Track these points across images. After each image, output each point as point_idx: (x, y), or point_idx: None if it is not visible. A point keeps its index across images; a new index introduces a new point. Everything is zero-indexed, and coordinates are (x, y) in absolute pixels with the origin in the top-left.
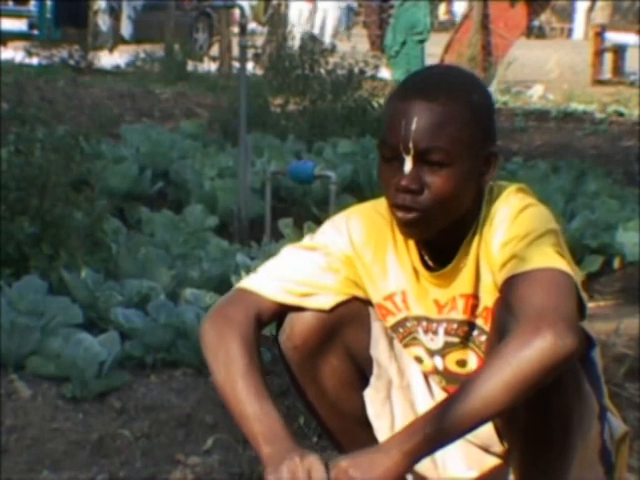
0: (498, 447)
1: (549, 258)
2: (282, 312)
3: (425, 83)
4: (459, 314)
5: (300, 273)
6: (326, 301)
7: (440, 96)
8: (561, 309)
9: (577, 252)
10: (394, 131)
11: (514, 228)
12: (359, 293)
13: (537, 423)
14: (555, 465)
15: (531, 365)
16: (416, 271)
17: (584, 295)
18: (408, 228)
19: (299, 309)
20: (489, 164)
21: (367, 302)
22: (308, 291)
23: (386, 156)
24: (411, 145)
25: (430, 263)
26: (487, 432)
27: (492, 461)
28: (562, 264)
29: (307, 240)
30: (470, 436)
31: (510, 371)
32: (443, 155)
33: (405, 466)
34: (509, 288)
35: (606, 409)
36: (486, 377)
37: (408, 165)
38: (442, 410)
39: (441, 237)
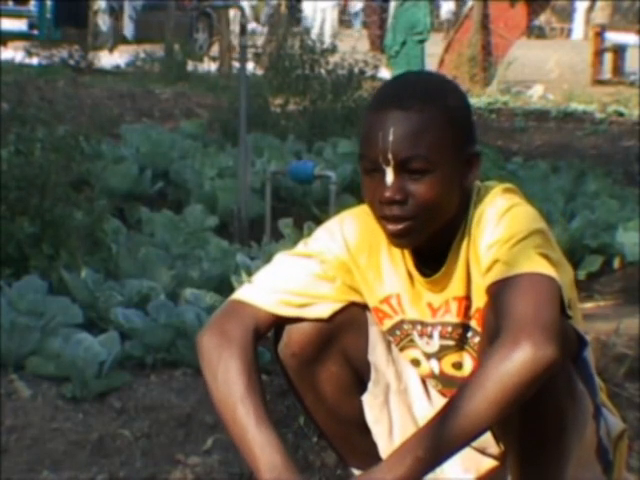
0: (494, 449)
1: (532, 262)
2: (279, 322)
3: (398, 92)
4: (453, 317)
5: (296, 283)
6: (323, 310)
7: (415, 104)
8: (541, 317)
9: (577, 252)
10: (372, 143)
11: (498, 230)
12: (356, 298)
13: (531, 425)
14: (551, 466)
15: (511, 379)
16: (410, 275)
17: (573, 294)
18: (399, 239)
19: (297, 319)
20: (471, 165)
21: (364, 307)
22: (305, 301)
23: (367, 169)
24: (390, 156)
25: (422, 268)
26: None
27: (489, 463)
28: (545, 267)
29: (301, 247)
30: None
31: (492, 387)
32: (423, 162)
33: None
34: (492, 294)
35: (601, 407)
36: (470, 394)
37: (389, 176)
38: (431, 431)
39: (431, 242)
